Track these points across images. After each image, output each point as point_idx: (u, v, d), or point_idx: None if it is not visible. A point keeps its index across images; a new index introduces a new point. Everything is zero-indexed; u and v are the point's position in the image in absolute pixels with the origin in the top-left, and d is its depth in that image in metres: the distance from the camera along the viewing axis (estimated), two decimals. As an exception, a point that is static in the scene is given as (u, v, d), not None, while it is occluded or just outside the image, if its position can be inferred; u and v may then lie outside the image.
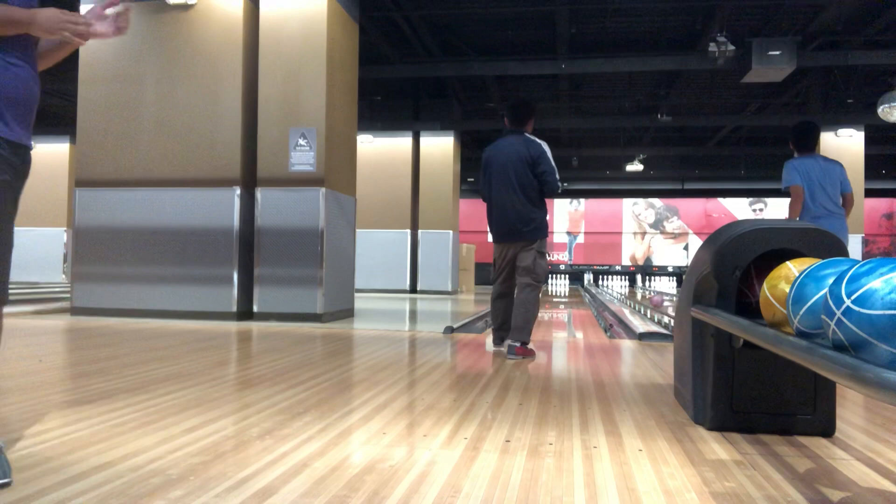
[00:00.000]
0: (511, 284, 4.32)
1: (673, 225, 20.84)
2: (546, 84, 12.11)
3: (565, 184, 20.15)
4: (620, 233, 21.07)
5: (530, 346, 4.26)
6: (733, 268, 2.34)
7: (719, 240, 2.43)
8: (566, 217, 21.35)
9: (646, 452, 2.10)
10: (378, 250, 11.68)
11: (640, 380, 3.45)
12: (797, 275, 1.76)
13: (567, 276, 21.12)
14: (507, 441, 2.20)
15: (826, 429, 2.34)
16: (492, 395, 2.97)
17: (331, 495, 1.66)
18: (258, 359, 4.04)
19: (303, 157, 6.22)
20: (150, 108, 6.46)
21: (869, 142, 11.95)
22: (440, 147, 12.25)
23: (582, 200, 21.27)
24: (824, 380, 2.29)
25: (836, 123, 11.21)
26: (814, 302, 1.61)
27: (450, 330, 5.52)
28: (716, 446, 2.19)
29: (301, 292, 6.13)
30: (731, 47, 7.83)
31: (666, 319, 7.33)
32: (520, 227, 4.17)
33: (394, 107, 12.29)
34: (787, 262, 1.97)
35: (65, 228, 12.27)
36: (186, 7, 6.42)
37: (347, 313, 6.81)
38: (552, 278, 21.04)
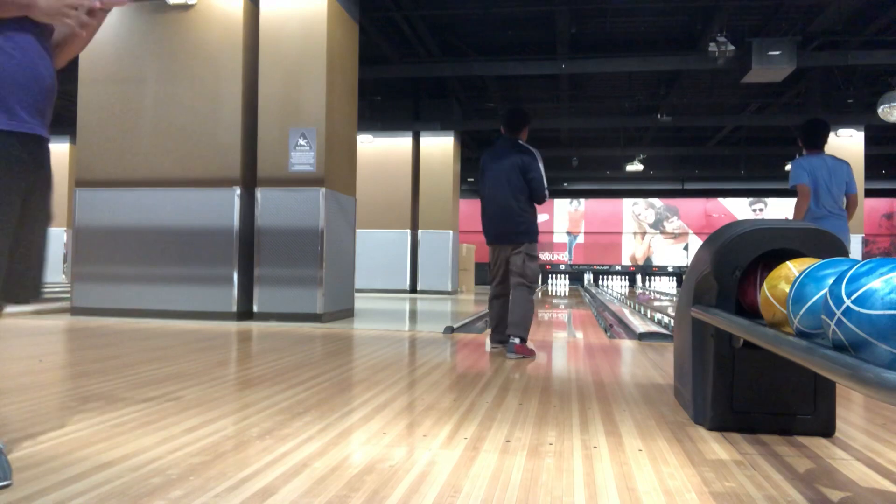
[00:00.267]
0: (507, 286, 4.42)
1: (673, 225, 20.84)
2: (546, 84, 12.11)
3: (566, 184, 20.17)
4: (620, 233, 21.07)
5: (530, 346, 4.33)
6: (733, 268, 2.34)
7: (719, 240, 2.43)
8: (566, 217, 21.35)
9: (646, 452, 2.10)
10: (378, 250, 11.68)
11: (640, 380, 3.45)
12: (797, 275, 1.76)
13: (567, 276, 21.12)
14: (507, 441, 2.20)
15: (826, 429, 2.34)
16: (492, 395, 2.97)
17: (331, 495, 1.66)
18: (258, 359, 4.04)
19: (303, 157, 6.22)
20: (150, 109, 6.46)
21: (869, 142, 11.95)
22: (440, 147, 12.25)
23: (582, 200, 21.26)
24: (824, 380, 2.29)
25: (836, 123, 11.21)
26: (814, 302, 1.61)
27: (450, 330, 5.52)
28: (716, 446, 2.19)
29: (301, 292, 6.13)
30: (731, 47, 7.83)
31: (666, 319, 7.33)
32: (509, 228, 4.29)
33: (394, 107, 12.29)
34: (787, 262, 1.97)
35: (65, 228, 12.28)
36: (186, 7, 6.42)
37: (347, 313, 6.81)
38: (552, 278, 21.05)
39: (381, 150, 11.96)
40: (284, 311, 6.13)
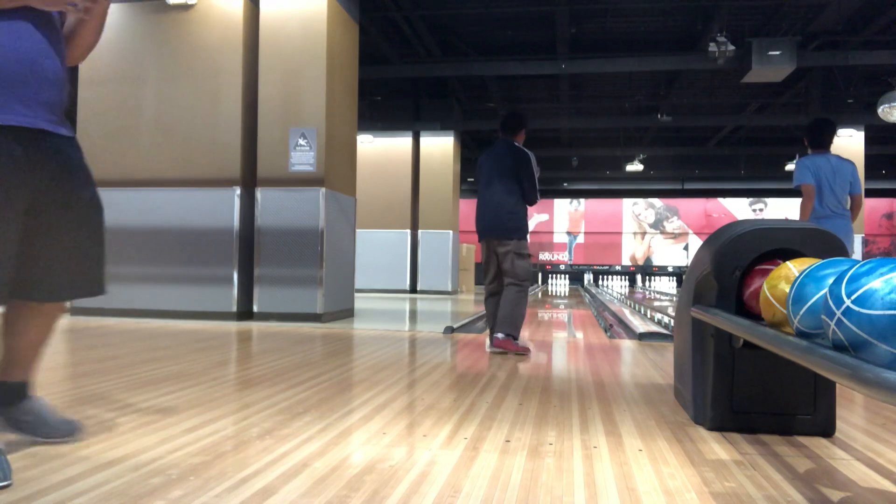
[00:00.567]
0: (501, 283, 4.48)
1: (673, 225, 20.84)
2: (546, 84, 12.11)
3: (566, 184, 20.17)
4: (620, 233, 21.07)
5: (523, 343, 4.43)
6: (733, 268, 2.34)
7: (719, 240, 2.43)
8: (566, 217, 21.35)
9: (646, 452, 2.10)
10: (378, 250, 11.68)
11: (640, 380, 3.45)
12: (797, 275, 1.76)
13: (567, 276, 21.12)
14: (507, 441, 2.20)
15: (826, 429, 2.34)
16: (492, 395, 2.97)
17: (331, 495, 1.66)
18: (258, 359, 4.04)
19: (303, 157, 6.22)
20: (150, 109, 6.46)
21: (869, 142, 11.95)
22: (440, 147, 12.25)
23: (582, 200, 21.27)
24: (824, 380, 2.29)
25: (836, 123, 11.19)
26: (814, 302, 1.61)
27: (450, 330, 5.52)
28: (716, 446, 2.19)
29: (301, 292, 6.14)
30: (731, 47, 7.83)
31: (666, 319, 7.33)
32: (498, 223, 4.37)
33: (394, 107, 12.29)
34: (787, 262, 1.97)
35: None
36: (186, 7, 6.42)
37: (347, 313, 6.81)
38: (552, 278, 21.05)
39: (381, 150, 11.96)
40: (284, 311, 6.13)
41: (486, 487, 1.74)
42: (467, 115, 13.77)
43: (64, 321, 5.92)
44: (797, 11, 8.47)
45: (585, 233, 21.25)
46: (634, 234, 21.03)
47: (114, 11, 6.49)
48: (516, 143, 4.47)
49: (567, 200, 21.28)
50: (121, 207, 6.39)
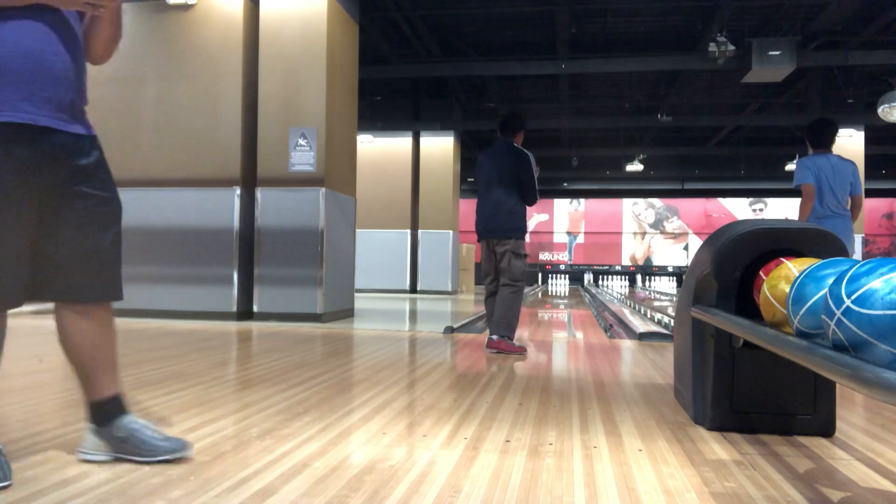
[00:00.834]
0: (500, 283, 4.48)
1: (673, 225, 20.85)
2: (546, 84, 12.11)
3: (566, 184, 20.17)
4: (620, 233, 21.07)
5: (518, 343, 4.46)
6: (733, 268, 2.34)
7: (719, 240, 2.43)
8: (566, 217, 21.35)
9: (646, 452, 2.10)
10: (378, 250, 11.68)
11: (640, 380, 3.45)
12: (797, 275, 1.76)
13: (567, 276, 21.12)
14: (507, 441, 2.20)
15: (826, 429, 2.34)
16: (492, 395, 2.97)
17: (331, 495, 1.66)
18: (258, 359, 4.04)
19: (303, 157, 6.22)
20: (150, 109, 6.46)
21: (869, 142, 11.95)
22: (440, 147, 12.25)
23: (582, 200, 21.27)
24: (824, 380, 2.29)
25: (837, 123, 11.21)
26: (814, 302, 1.61)
27: (450, 330, 5.52)
28: (716, 446, 2.19)
29: (301, 292, 6.14)
30: (731, 47, 7.83)
31: (666, 319, 7.33)
32: (496, 223, 4.38)
33: (394, 107, 12.29)
34: (787, 262, 1.97)
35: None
36: (186, 7, 6.42)
37: (347, 313, 6.81)
38: (552, 278, 21.05)
39: (381, 150, 11.96)
40: (284, 311, 6.13)
41: (486, 487, 1.74)
42: (467, 115, 13.76)
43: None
44: (797, 11, 8.47)
45: (585, 233, 21.25)
46: (634, 234, 21.03)
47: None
48: (515, 144, 4.49)
49: (567, 200, 21.28)
50: (121, 207, 6.38)
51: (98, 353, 1.86)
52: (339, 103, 6.56)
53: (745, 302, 2.33)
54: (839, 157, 4.32)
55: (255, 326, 5.74)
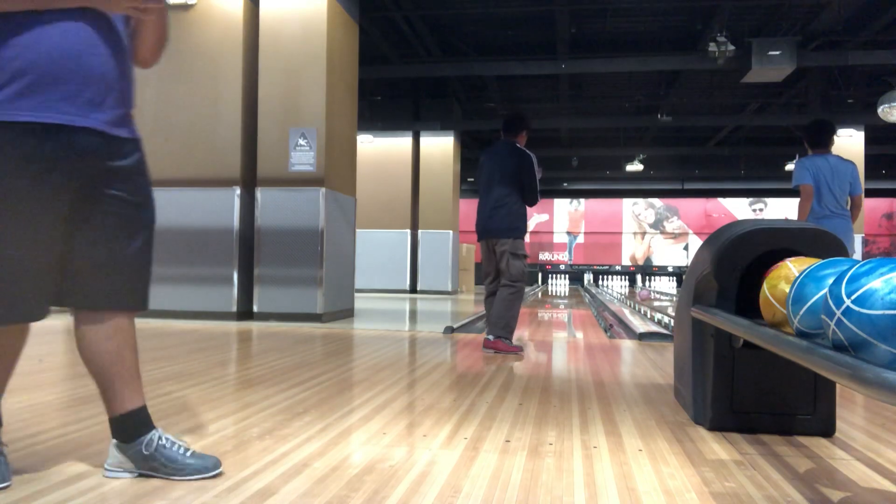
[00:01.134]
0: (500, 283, 4.48)
1: (673, 225, 20.85)
2: (546, 84, 12.11)
3: (566, 184, 20.16)
4: (620, 233, 21.07)
5: (517, 343, 4.47)
6: (733, 268, 2.34)
7: (719, 240, 2.43)
8: (566, 217, 21.35)
9: (646, 452, 2.10)
10: (378, 250, 11.68)
11: (640, 380, 3.45)
12: (797, 275, 1.76)
13: (567, 276, 21.12)
14: (507, 441, 2.20)
15: (826, 429, 2.34)
16: (492, 395, 2.97)
17: (331, 495, 1.66)
18: (258, 359, 4.04)
19: (303, 157, 6.22)
20: (150, 108, 6.45)
21: (869, 142, 11.95)
22: (440, 147, 12.25)
23: (582, 200, 21.27)
24: (824, 380, 2.29)
25: (836, 123, 11.18)
26: (814, 302, 1.61)
27: (450, 330, 5.52)
28: (716, 446, 2.19)
29: (301, 292, 6.13)
30: (731, 47, 7.83)
31: (666, 319, 7.33)
32: (495, 224, 4.38)
33: (394, 107, 12.29)
34: (787, 262, 1.97)
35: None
36: (186, 7, 6.42)
37: (347, 313, 6.80)
38: (552, 278, 21.05)
39: (381, 150, 11.96)
40: (284, 311, 6.13)
41: (486, 487, 1.74)
42: (467, 115, 13.76)
43: (64, 321, 5.92)
44: (797, 11, 8.47)
45: (585, 233, 21.25)
46: (634, 234, 21.03)
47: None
48: (518, 144, 4.48)
49: (567, 200, 21.27)
50: (121, 207, 6.39)
51: (118, 364, 1.79)
52: (339, 103, 6.56)
53: (745, 302, 2.33)
54: (838, 157, 4.33)
55: (255, 326, 5.74)
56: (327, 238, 6.19)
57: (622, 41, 9.75)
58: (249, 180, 6.36)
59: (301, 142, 6.22)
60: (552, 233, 21.28)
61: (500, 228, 4.36)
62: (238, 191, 6.23)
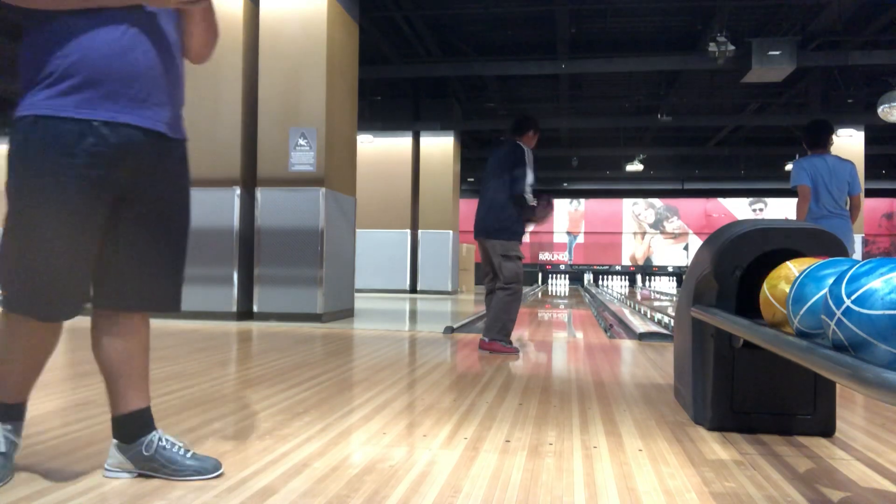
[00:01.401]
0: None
1: (673, 225, 20.85)
2: (546, 84, 12.11)
3: (566, 184, 20.16)
4: (620, 233, 21.08)
5: (517, 343, 4.48)
6: (733, 268, 2.34)
7: (719, 240, 2.43)
8: (566, 217, 21.36)
9: (646, 452, 2.10)
10: (378, 250, 11.68)
11: (640, 380, 3.45)
12: (797, 275, 1.76)
13: (567, 276, 21.12)
14: (507, 441, 2.20)
15: (826, 429, 2.34)
16: (492, 395, 2.97)
17: (331, 495, 1.66)
18: (258, 359, 4.04)
19: (303, 157, 6.22)
20: (150, 108, 6.45)
21: (869, 142, 11.95)
22: (440, 147, 12.25)
23: (582, 200, 21.27)
24: (824, 380, 2.29)
25: (836, 123, 11.12)
26: (814, 302, 1.61)
27: (450, 330, 5.52)
28: (716, 446, 2.19)
29: (301, 292, 6.13)
30: (731, 47, 7.82)
31: (666, 319, 7.33)
32: (488, 224, 4.37)
33: (394, 107, 12.29)
34: (787, 262, 1.97)
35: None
36: (186, 7, 6.41)
37: (347, 313, 6.80)
38: (552, 278, 21.05)
39: (381, 150, 11.96)
40: (284, 311, 6.13)
41: (486, 487, 1.74)
42: (467, 115, 13.76)
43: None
44: (797, 11, 8.47)
45: (585, 233, 21.25)
46: (634, 234, 21.04)
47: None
48: (520, 142, 4.42)
49: (567, 200, 21.27)
50: (121, 207, 6.39)
51: (128, 364, 1.80)
52: (339, 103, 6.56)
53: (745, 302, 2.33)
54: (837, 157, 4.32)
55: (255, 326, 5.74)
56: (327, 238, 6.19)
57: (622, 41, 9.75)
58: (249, 180, 6.36)
59: (301, 142, 6.22)
60: (552, 233, 21.28)
61: (490, 229, 4.34)
62: (238, 191, 6.23)
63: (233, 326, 5.70)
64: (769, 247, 2.30)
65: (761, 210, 20.22)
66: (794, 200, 4.35)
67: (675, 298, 12.82)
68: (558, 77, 11.05)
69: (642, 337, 5.30)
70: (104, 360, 1.80)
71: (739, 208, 20.27)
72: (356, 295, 7.39)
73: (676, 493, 1.73)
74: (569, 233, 21.35)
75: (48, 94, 1.57)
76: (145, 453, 1.74)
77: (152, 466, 1.74)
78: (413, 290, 11.95)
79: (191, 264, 6.36)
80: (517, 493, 1.71)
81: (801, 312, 1.65)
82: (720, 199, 20.42)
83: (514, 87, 12.62)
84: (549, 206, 4.48)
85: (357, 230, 7.51)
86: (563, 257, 21.28)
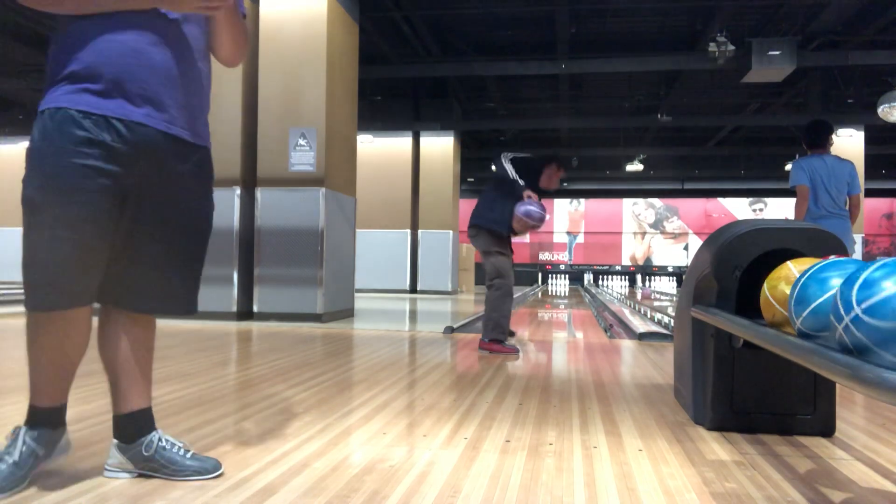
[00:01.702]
0: None
1: (673, 225, 20.85)
2: (546, 84, 12.11)
3: (566, 184, 20.14)
4: (620, 233, 21.08)
5: (516, 343, 4.51)
6: (733, 268, 2.34)
7: (719, 240, 2.43)
8: (566, 217, 21.36)
9: (646, 452, 2.10)
10: (378, 250, 11.68)
11: (640, 380, 3.45)
12: (798, 275, 1.76)
13: (567, 276, 21.13)
14: (507, 441, 2.20)
15: (826, 429, 2.34)
16: (492, 395, 2.97)
17: (331, 495, 1.66)
18: (258, 359, 4.04)
19: (303, 157, 6.22)
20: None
21: (869, 142, 11.95)
22: (440, 147, 12.25)
23: (582, 200, 21.28)
24: (824, 380, 2.29)
25: (836, 123, 11.19)
26: (818, 304, 1.60)
27: (450, 330, 5.52)
28: (716, 446, 2.19)
29: (301, 292, 6.13)
30: (731, 47, 7.83)
31: (666, 319, 7.33)
32: (473, 220, 4.39)
33: (394, 107, 12.29)
34: (788, 263, 1.97)
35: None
36: (186, 7, 6.41)
37: (347, 313, 6.80)
38: (552, 278, 21.05)
39: (381, 150, 11.96)
40: (284, 311, 6.13)
41: (486, 487, 1.74)
42: (467, 115, 13.76)
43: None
44: (797, 11, 8.47)
45: (585, 233, 21.26)
46: (634, 234, 21.04)
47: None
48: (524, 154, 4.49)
49: (567, 200, 21.28)
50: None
51: (131, 364, 1.81)
52: (339, 103, 6.56)
53: (745, 302, 2.33)
54: (836, 157, 4.32)
55: (255, 326, 5.74)
56: (327, 238, 6.19)
57: (622, 41, 9.75)
58: (249, 180, 6.36)
59: (301, 142, 6.22)
60: (552, 233, 21.29)
61: (474, 225, 4.36)
62: (238, 191, 6.23)
63: (233, 326, 5.70)
64: (769, 247, 2.30)
65: (761, 210, 20.23)
66: (794, 200, 4.34)
67: (675, 298, 12.82)
68: (558, 77, 11.05)
69: (642, 337, 5.30)
70: (110, 359, 1.80)
71: (739, 208, 20.28)
72: (356, 295, 7.39)
73: (676, 493, 1.73)
74: (569, 233, 21.36)
75: (68, 89, 1.61)
76: (145, 453, 1.75)
77: (152, 466, 1.75)
78: (413, 290, 11.95)
79: (191, 264, 6.07)
80: (517, 493, 1.71)
81: (805, 314, 1.64)
82: (720, 199, 20.42)
83: (514, 87, 12.62)
84: (542, 209, 4.47)
85: (357, 230, 7.52)
86: (563, 257, 21.29)
